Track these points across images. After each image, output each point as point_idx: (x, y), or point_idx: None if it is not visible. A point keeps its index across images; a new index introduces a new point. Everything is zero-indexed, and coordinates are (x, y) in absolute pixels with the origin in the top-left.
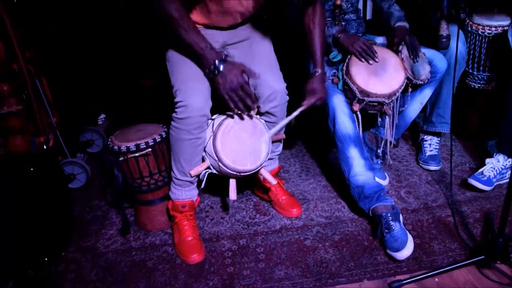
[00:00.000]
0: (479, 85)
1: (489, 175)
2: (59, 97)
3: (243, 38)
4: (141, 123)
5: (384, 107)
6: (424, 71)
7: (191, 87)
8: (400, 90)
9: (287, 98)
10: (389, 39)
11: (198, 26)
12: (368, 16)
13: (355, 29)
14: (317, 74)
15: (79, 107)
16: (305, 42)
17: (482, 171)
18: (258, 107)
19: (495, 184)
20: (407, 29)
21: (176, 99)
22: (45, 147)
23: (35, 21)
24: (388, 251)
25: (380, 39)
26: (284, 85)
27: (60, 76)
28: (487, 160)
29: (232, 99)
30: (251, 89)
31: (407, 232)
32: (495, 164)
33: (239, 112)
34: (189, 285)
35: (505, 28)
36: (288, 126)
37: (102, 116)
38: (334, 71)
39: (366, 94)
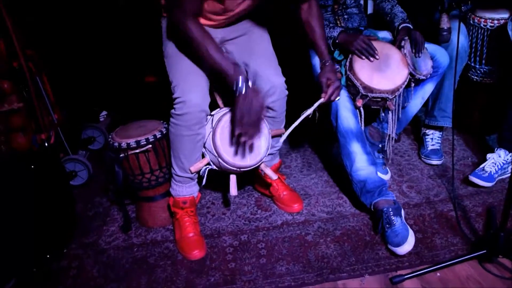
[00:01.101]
0: (481, 79)
1: (491, 171)
2: (60, 94)
3: (241, 33)
4: (142, 119)
5: (387, 102)
6: (426, 66)
7: (189, 83)
8: (403, 86)
9: (286, 92)
10: (394, 38)
11: None
12: (369, 10)
13: (358, 23)
14: (327, 64)
15: (81, 104)
16: (307, 37)
17: (483, 167)
18: None
19: (496, 179)
20: (411, 29)
21: (175, 95)
22: (46, 144)
23: (36, 18)
24: (389, 246)
25: (382, 33)
26: (283, 79)
27: (61, 73)
28: (488, 156)
29: (242, 127)
30: None
31: (408, 227)
32: (496, 159)
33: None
34: (190, 281)
35: (507, 20)
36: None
37: (104, 113)
38: (337, 66)
39: (370, 90)
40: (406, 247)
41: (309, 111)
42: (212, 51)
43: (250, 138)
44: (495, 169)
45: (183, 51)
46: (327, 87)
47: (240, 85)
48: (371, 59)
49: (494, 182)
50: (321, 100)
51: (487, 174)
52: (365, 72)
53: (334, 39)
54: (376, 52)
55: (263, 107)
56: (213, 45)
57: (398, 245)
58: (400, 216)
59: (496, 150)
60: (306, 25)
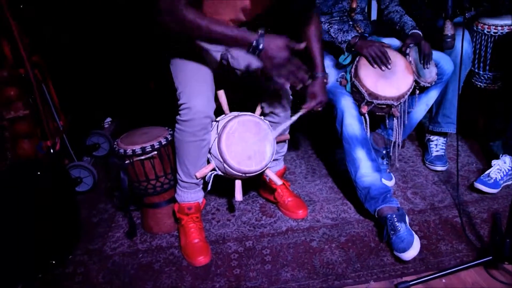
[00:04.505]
0: (485, 85)
1: (496, 177)
2: (65, 101)
3: None
4: (146, 126)
5: (392, 109)
6: (431, 74)
7: (194, 89)
8: (409, 93)
9: (291, 98)
10: (403, 44)
11: None
12: (373, 17)
13: (363, 29)
14: (318, 77)
15: (86, 111)
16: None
17: (489, 173)
18: (262, 108)
19: (502, 185)
20: (422, 36)
21: (180, 102)
22: (52, 151)
23: (42, 25)
24: (395, 253)
25: (386, 40)
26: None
27: (66, 80)
28: (494, 162)
29: (281, 74)
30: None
31: (413, 232)
32: (501, 166)
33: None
34: (195, 287)
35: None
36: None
37: (108, 119)
38: (342, 73)
39: (375, 96)
40: (412, 252)
41: (289, 122)
42: (214, 25)
43: (289, 76)
44: (501, 175)
45: (188, 57)
46: (310, 100)
47: (255, 44)
48: (383, 68)
49: (499, 189)
50: (301, 112)
51: (492, 180)
52: (371, 78)
53: (348, 42)
54: (389, 61)
55: (286, 43)
56: (213, 21)
57: (404, 250)
58: (405, 222)
59: (501, 156)
60: (305, 35)
